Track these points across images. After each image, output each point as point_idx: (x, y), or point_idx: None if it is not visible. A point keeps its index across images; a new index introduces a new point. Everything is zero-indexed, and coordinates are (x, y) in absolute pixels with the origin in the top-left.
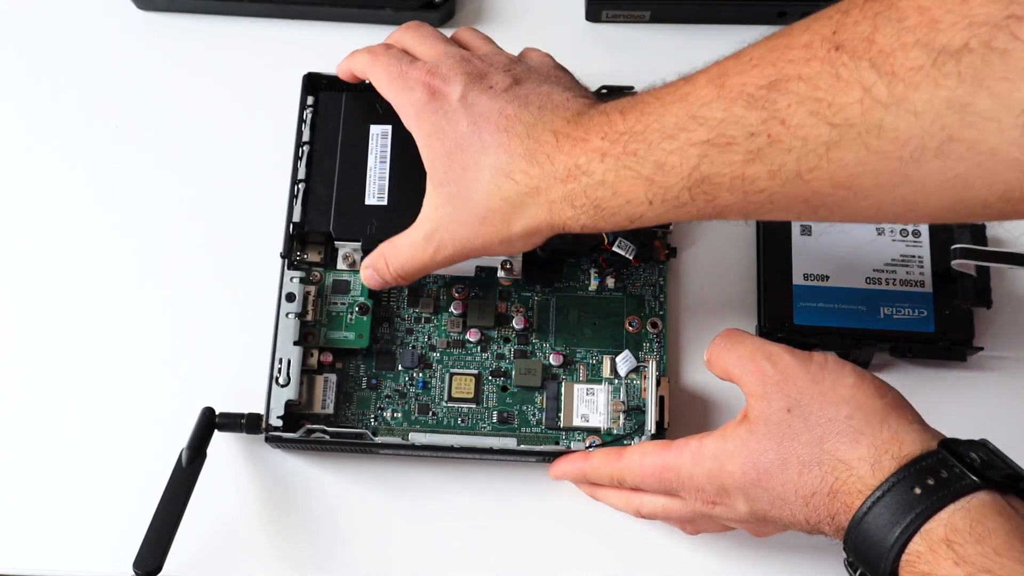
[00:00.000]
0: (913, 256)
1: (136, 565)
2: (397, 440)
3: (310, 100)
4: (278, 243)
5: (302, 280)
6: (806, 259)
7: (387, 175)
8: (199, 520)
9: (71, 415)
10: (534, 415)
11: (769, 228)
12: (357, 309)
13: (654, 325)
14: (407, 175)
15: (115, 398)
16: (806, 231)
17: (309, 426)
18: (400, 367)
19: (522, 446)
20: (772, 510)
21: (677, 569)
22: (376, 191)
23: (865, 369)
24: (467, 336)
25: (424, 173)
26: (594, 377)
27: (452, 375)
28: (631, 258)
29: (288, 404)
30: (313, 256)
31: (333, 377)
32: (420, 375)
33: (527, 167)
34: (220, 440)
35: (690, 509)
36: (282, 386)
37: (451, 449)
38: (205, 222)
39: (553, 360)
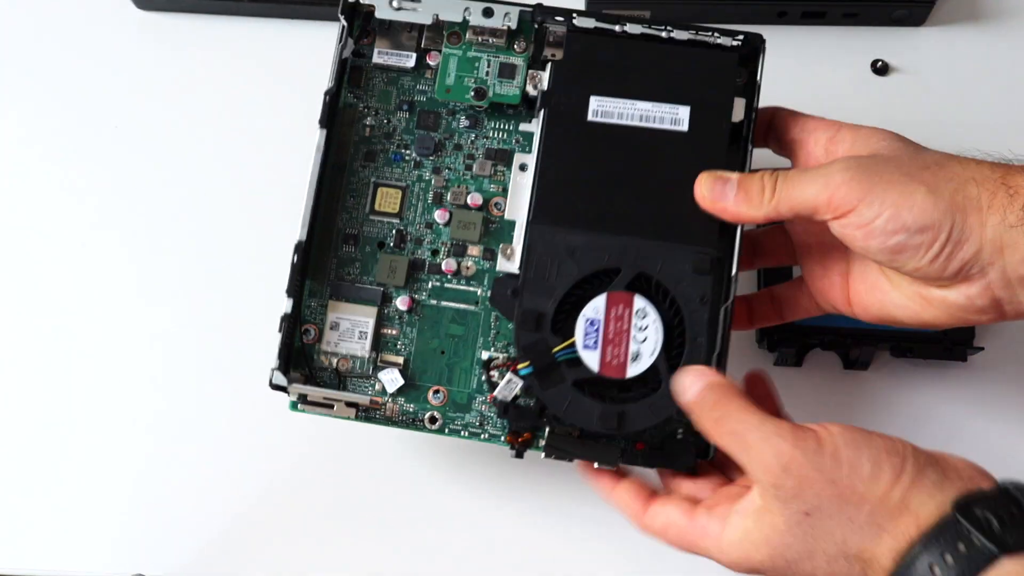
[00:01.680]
0: None
1: None
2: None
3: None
4: (278, 242)
5: None
6: None
7: None
8: (200, 519)
9: (71, 415)
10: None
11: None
12: None
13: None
14: None
15: (115, 398)
16: None
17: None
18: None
19: None
20: None
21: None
22: None
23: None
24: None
25: None
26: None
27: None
28: (490, 395)
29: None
30: None
31: None
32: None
33: None
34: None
35: None
36: None
37: None
38: (205, 222)
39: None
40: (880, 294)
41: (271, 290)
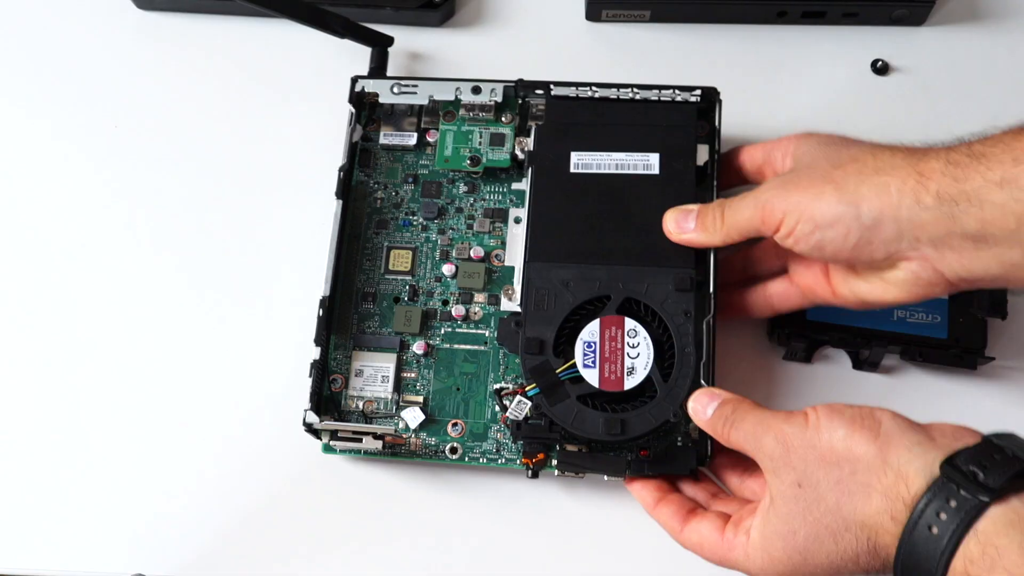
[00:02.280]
0: None
1: None
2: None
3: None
4: (279, 241)
5: None
6: None
7: None
8: (200, 519)
9: (71, 415)
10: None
11: None
12: None
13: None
14: None
15: (116, 399)
16: None
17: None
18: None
19: None
20: None
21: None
22: None
23: (874, 369)
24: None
25: None
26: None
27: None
28: (502, 415)
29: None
30: None
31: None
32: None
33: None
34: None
35: None
36: None
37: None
38: (204, 221)
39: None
40: (851, 283)
41: (272, 293)
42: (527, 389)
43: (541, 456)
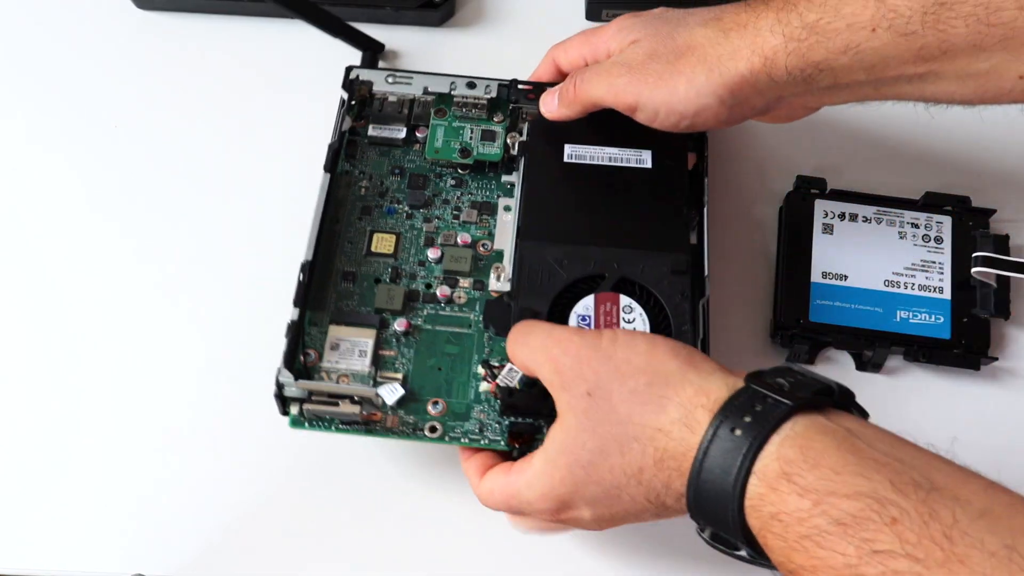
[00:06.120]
0: (934, 262)
1: None
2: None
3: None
4: (279, 240)
5: None
6: (826, 257)
7: None
8: (200, 519)
9: (71, 415)
10: None
11: (791, 225)
12: None
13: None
14: None
15: (116, 398)
16: (827, 230)
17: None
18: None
19: None
20: (613, 505)
21: None
22: None
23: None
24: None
25: None
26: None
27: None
28: (491, 385)
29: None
30: None
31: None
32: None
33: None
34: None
35: (547, 526)
36: None
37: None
38: (204, 221)
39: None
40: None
41: (271, 294)
42: None
43: (527, 438)
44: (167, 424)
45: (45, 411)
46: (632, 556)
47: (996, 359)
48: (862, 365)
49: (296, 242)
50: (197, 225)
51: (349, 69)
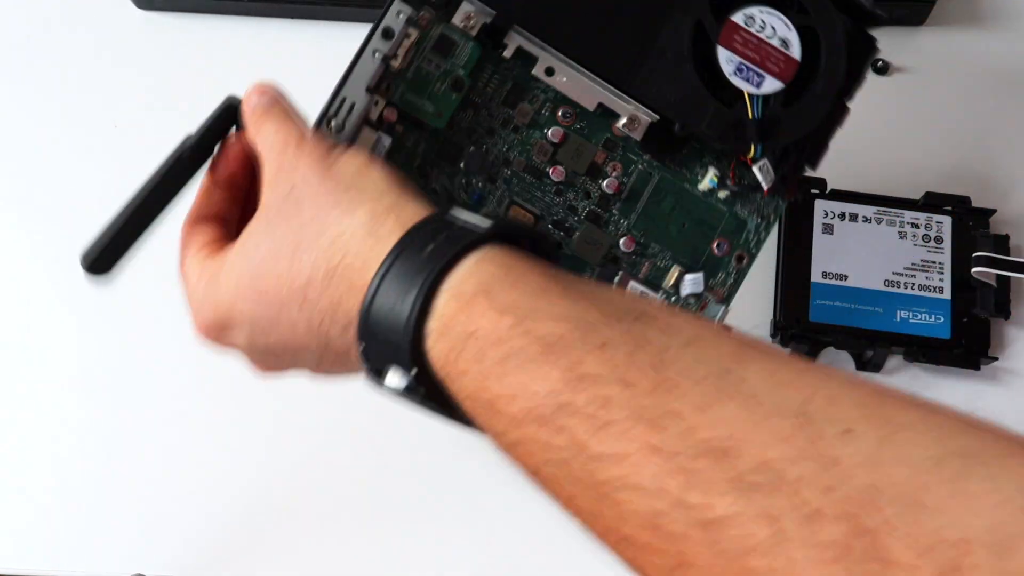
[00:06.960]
0: (934, 262)
1: (84, 258)
2: None
3: None
4: None
5: (409, 20)
6: (826, 257)
7: None
8: (200, 519)
9: (70, 415)
10: None
11: (791, 224)
12: (451, 82)
13: (739, 259)
14: None
15: (116, 397)
16: (827, 230)
17: None
18: (462, 166)
19: None
20: (269, 330)
21: None
22: None
23: (878, 370)
24: (550, 171)
25: None
26: (653, 280)
27: (512, 202)
28: (764, 187)
29: None
30: None
31: (387, 140)
32: (479, 186)
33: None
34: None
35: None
36: (336, 132)
37: None
38: None
39: (623, 245)
40: None
41: None
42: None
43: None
44: (167, 424)
45: (45, 411)
46: None
47: (996, 359)
48: (862, 365)
49: None
50: None
51: None
